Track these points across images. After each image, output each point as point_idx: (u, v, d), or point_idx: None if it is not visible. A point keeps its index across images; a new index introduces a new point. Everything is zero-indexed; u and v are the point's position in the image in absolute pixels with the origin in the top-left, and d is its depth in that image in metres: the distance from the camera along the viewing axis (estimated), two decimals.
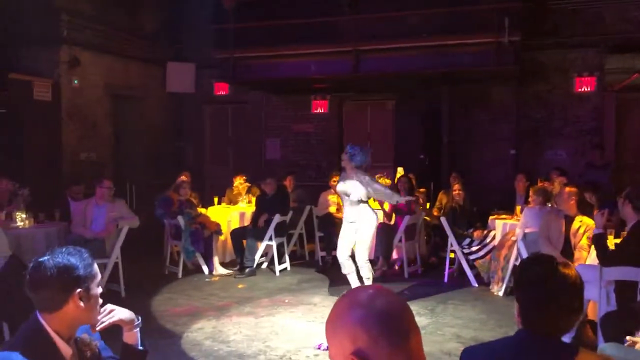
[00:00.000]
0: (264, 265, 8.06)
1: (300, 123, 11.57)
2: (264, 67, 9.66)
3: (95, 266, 2.03)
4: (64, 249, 1.97)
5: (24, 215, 6.24)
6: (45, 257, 1.93)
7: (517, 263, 6.32)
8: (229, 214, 8.37)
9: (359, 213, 6.08)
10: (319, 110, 11.11)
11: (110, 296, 6.45)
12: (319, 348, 4.88)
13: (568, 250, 5.44)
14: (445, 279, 7.38)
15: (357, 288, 1.35)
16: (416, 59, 9.00)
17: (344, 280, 7.44)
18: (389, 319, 1.21)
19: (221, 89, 11.29)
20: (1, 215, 6.17)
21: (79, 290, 1.93)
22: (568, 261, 1.85)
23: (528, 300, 1.81)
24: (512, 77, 9.52)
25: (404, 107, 11.03)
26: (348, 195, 6.08)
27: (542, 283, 1.78)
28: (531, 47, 9.27)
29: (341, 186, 6.18)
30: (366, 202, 6.12)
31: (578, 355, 1.73)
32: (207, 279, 7.51)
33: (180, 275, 7.59)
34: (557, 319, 1.77)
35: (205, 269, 7.70)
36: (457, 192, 7.68)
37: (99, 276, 2.05)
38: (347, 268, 6.23)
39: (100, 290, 2.05)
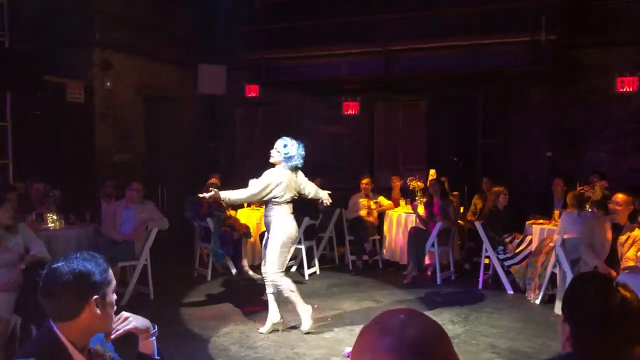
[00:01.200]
0: (293, 269, 7.96)
1: (331, 124, 11.45)
2: (294, 68, 9.58)
3: (111, 272, 1.96)
4: (78, 255, 1.90)
5: (55, 217, 6.28)
6: (60, 263, 1.85)
7: (556, 270, 6.09)
8: (258, 217, 8.31)
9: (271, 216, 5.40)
10: (350, 112, 10.98)
11: (139, 298, 6.50)
12: (347, 356, 4.75)
13: (614, 259, 5.17)
14: (480, 286, 7.16)
15: (386, 312, 1.20)
16: (450, 59, 8.80)
17: (374, 285, 7.34)
18: (424, 348, 1.07)
19: (252, 91, 11.27)
20: (32, 217, 6.22)
21: (95, 297, 1.86)
22: (627, 284, 1.65)
23: (581, 325, 1.63)
24: (549, 77, 9.22)
25: (437, 108, 10.82)
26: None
27: (600, 307, 1.60)
28: (570, 46, 8.97)
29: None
30: (282, 204, 5.38)
31: None
32: (235, 282, 7.45)
33: (209, 277, 7.56)
34: (618, 349, 1.59)
35: (234, 271, 7.65)
36: (504, 195, 7.31)
37: (114, 282, 1.97)
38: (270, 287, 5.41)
39: (115, 297, 1.97)
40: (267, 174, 5.41)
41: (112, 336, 1.99)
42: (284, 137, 5.54)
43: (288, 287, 5.32)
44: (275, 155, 5.49)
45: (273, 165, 5.52)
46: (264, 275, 5.40)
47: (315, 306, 6.32)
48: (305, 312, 5.40)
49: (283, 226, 5.31)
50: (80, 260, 1.86)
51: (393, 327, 1.12)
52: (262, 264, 5.48)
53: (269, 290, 5.37)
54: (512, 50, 8.28)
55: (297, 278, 7.66)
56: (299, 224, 7.51)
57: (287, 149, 5.45)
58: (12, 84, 7.38)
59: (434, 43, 8.62)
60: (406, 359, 1.06)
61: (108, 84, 9.37)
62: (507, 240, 7.04)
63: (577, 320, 1.65)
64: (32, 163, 7.99)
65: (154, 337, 2.11)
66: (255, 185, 5.40)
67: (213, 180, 8.06)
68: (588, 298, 1.64)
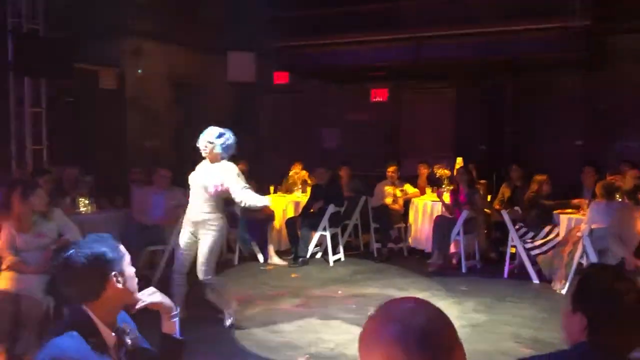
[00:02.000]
0: (318, 255, 8.03)
1: (358, 112, 11.44)
2: (322, 55, 9.59)
3: (122, 247, 2.04)
4: (87, 239, 1.99)
5: (87, 202, 6.45)
6: (72, 251, 1.93)
7: (583, 260, 6.03)
8: (285, 203, 8.39)
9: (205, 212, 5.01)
10: (378, 99, 10.95)
11: (167, 282, 6.63)
12: None
13: None
14: (505, 275, 7.12)
15: (392, 301, 1.22)
16: (478, 46, 8.70)
17: (399, 273, 7.36)
18: (429, 336, 1.09)
19: (280, 78, 11.30)
20: (66, 202, 6.40)
21: (113, 273, 1.94)
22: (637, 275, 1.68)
23: (599, 317, 1.65)
24: (580, 64, 9.04)
25: (466, 95, 10.72)
26: (205, 188, 5.02)
27: (618, 300, 1.63)
28: (602, 32, 8.75)
29: (203, 178, 5.07)
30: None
31: None
32: (261, 267, 7.57)
33: (236, 262, 7.68)
34: (631, 337, 1.62)
35: (260, 257, 7.76)
36: (547, 185, 7.12)
37: (128, 255, 2.05)
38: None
39: (133, 268, 2.05)
40: (233, 167, 5.08)
41: (138, 306, 2.07)
42: (213, 127, 5.04)
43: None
44: (210, 147, 4.99)
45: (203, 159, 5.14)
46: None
47: (339, 292, 6.40)
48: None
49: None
50: (90, 244, 1.95)
51: (399, 315, 1.14)
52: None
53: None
54: (543, 36, 8.15)
55: (322, 264, 7.74)
56: (323, 212, 7.60)
57: (222, 138, 4.99)
58: (45, 71, 7.58)
59: (463, 30, 8.52)
60: (412, 347, 1.09)
61: (139, 71, 9.52)
62: (547, 231, 6.91)
63: (593, 311, 1.66)
64: (65, 149, 8.20)
65: (177, 318, 2.19)
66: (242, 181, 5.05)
67: (240, 166, 8.13)
68: (604, 289, 1.66)
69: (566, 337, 1.74)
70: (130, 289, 2.01)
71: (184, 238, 5.12)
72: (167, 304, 2.15)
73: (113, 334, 1.98)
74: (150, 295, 2.11)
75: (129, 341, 2.04)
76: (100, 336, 1.93)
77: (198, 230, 5.01)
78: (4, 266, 4.60)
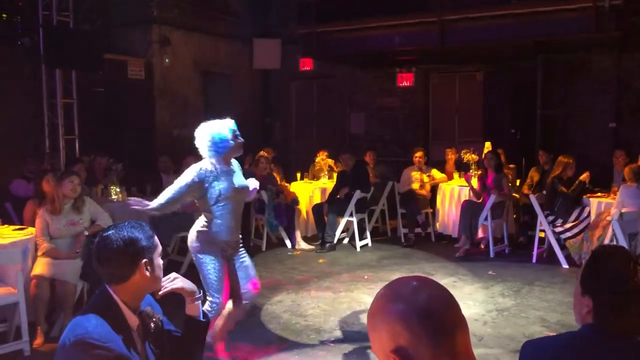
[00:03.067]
0: (345, 241, 8.08)
1: (385, 97, 11.39)
2: (348, 41, 9.56)
3: (156, 238, 2.11)
4: (126, 223, 2.05)
5: (117, 189, 6.60)
6: (111, 232, 2.02)
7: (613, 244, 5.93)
8: (311, 190, 8.44)
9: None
10: (405, 84, 10.88)
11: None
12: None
13: None
14: (534, 260, 7.05)
15: (399, 279, 1.25)
16: (507, 28, 8.55)
17: (426, 258, 7.36)
18: (432, 314, 1.12)
19: (306, 65, 11.31)
20: (98, 190, 6.56)
21: (144, 260, 2.02)
22: None
23: (605, 300, 1.64)
24: (613, 45, 8.81)
25: (495, 78, 10.56)
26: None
27: (624, 283, 1.61)
28: (635, 11, 8.49)
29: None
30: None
31: None
32: (289, 253, 7.65)
33: (264, 248, 7.78)
34: (635, 322, 1.61)
35: (288, 242, 7.84)
36: (571, 169, 6.98)
37: (160, 247, 2.13)
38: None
39: (162, 261, 2.13)
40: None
41: (161, 293, 2.15)
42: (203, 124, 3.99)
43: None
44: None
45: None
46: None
47: (366, 277, 6.44)
48: None
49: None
50: (129, 228, 2.02)
51: (405, 293, 1.17)
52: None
53: None
54: (573, 16, 7.97)
55: (349, 250, 7.78)
56: (350, 198, 7.62)
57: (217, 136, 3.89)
58: (76, 62, 7.75)
59: (491, 12, 8.40)
60: (416, 324, 1.11)
61: (166, 60, 9.66)
62: (573, 218, 6.80)
63: (599, 294, 1.66)
64: (96, 138, 8.39)
65: (200, 301, 2.26)
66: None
67: (262, 152, 8.22)
68: (612, 273, 1.64)
69: (576, 318, 1.74)
70: (156, 279, 2.09)
71: None
72: (189, 288, 2.22)
73: (136, 316, 2.05)
74: (171, 282, 2.18)
75: (152, 324, 2.11)
76: (123, 318, 2.00)
77: None
78: (39, 252, 4.77)
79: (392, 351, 1.12)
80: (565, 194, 6.85)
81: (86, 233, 4.96)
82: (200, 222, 3.96)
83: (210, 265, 3.87)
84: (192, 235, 3.96)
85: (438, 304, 1.15)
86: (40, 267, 4.67)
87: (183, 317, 2.26)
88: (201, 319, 2.26)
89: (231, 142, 3.91)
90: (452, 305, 1.16)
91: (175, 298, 2.25)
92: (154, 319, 2.11)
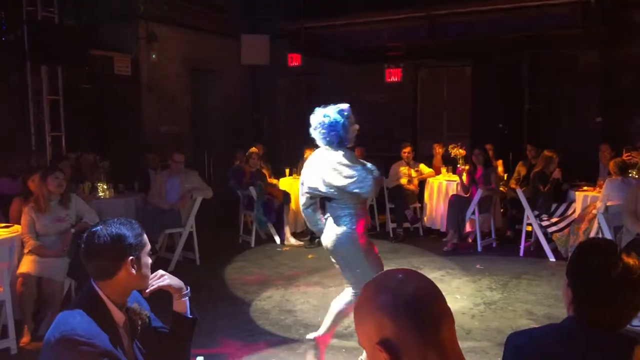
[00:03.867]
0: None
1: (373, 93, 11.39)
2: (336, 36, 9.55)
3: (145, 236, 2.09)
4: (115, 220, 2.04)
5: (105, 186, 6.57)
6: (99, 227, 2.01)
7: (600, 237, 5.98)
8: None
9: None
10: (393, 79, 10.87)
11: (185, 264, 6.77)
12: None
13: None
14: (521, 253, 7.11)
15: (386, 271, 1.26)
16: (494, 22, 8.59)
17: (415, 252, 7.39)
18: (417, 306, 1.13)
19: (294, 60, 11.26)
20: (85, 187, 6.52)
21: (131, 258, 2.00)
22: (631, 250, 1.65)
23: (584, 292, 1.65)
24: (599, 39, 8.86)
25: (483, 74, 10.59)
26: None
27: (602, 275, 1.61)
28: (621, 5, 8.56)
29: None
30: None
31: (635, 348, 1.58)
32: (278, 249, 7.65)
33: (253, 244, 7.77)
34: (613, 315, 1.62)
35: (277, 238, 7.84)
36: (555, 165, 7.10)
37: (149, 246, 2.12)
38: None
39: (150, 260, 2.11)
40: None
41: (148, 291, 2.14)
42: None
43: None
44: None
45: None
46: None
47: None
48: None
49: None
50: (117, 225, 2.01)
51: (390, 285, 1.18)
52: None
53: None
54: (560, 11, 8.02)
55: None
56: None
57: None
58: (62, 58, 7.67)
59: (478, 7, 8.42)
60: (401, 316, 1.12)
61: (153, 56, 9.58)
62: (564, 208, 6.88)
63: (579, 286, 1.66)
64: (83, 135, 8.32)
65: (187, 297, 2.25)
66: None
67: (253, 149, 8.21)
68: (591, 265, 1.64)
69: (566, 310, 1.76)
70: (143, 277, 2.07)
71: None
72: (176, 285, 2.21)
73: (122, 313, 2.04)
74: (158, 279, 2.17)
75: (139, 321, 2.10)
76: (110, 314, 1.99)
77: None
78: (25, 250, 4.73)
79: (378, 343, 1.13)
80: (542, 192, 6.94)
81: (73, 230, 4.93)
82: (350, 218, 3.77)
83: (371, 257, 3.83)
84: (354, 235, 3.77)
85: (423, 296, 1.16)
86: (27, 265, 4.64)
87: (170, 314, 2.25)
88: (188, 316, 2.25)
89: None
90: (437, 296, 1.17)
91: (164, 294, 2.24)
92: (141, 316, 2.11)
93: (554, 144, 8.02)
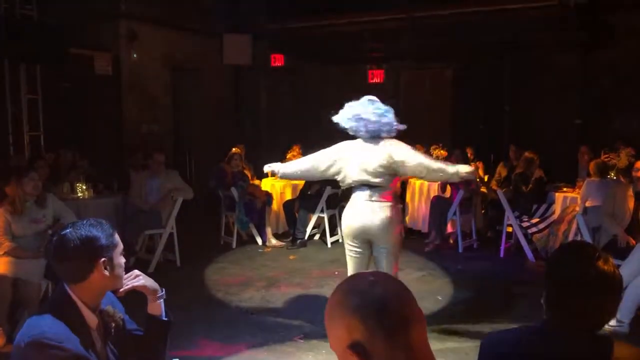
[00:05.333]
0: (317, 237, 8.08)
1: (356, 93, 11.37)
2: (318, 37, 9.55)
3: (117, 236, 2.06)
4: (85, 221, 2.00)
5: (84, 186, 6.48)
6: (68, 230, 1.96)
7: (578, 239, 6.04)
8: (282, 186, 8.42)
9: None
10: (375, 80, 10.91)
11: (166, 265, 6.71)
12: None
13: (634, 228, 5.10)
14: (502, 254, 7.16)
15: (357, 274, 1.26)
16: (476, 25, 8.66)
17: None
18: (388, 309, 1.12)
19: (277, 61, 11.25)
20: (64, 187, 6.42)
21: (103, 259, 1.96)
22: (609, 256, 1.66)
23: (561, 295, 1.65)
24: (578, 43, 8.99)
25: (464, 75, 10.68)
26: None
27: (578, 280, 1.61)
28: (601, 9, 8.67)
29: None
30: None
31: (613, 347, 1.59)
32: (259, 250, 7.62)
33: (234, 245, 7.73)
34: (589, 319, 1.62)
35: (259, 239, 7.81)
36: (537, 167, 7.18)
37: (121, 245, 2.07)
38: None
39: (123, 260, 2.08)
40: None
41: (122, 290, 2.10)
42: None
43: None
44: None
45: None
46: None
47: (336, 273, 6.45)
48: None
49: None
50: (87, 227, 1.97)
51: (361, 287, 1.18)
52: None
53: None
54: (538, 15, 8.10)
55: (320, 246, 7.79)
56: (321, 195, 7.63)
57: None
58: (40, 57, 7.56)
59: (459, 9, 8.48)
60: (371, 318, 1.11)
61: (134, 55, 9.49)
62: (543, 210, 6.95)
63: (556, 289, 1.67)
64: (62, 134, 8.21)
65: (162, 300, 2.22)
66: None
67: (235, 149, 8.16)
68: (569, 269, 1.65)
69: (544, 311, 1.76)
70: (116, 278, 2.03)
71: None
72: (151, 286, 2.17)
73: (95, 315, 2.01)
74: (133, 279, 2.13)
75: (112, 323, 2.07)
76: (82, 317, 1.96)
77: None
78: (1, 251, 4.65)
79: (348, 346, 1.12)
80: (524, 192, 7.00)
81: (50, 232, 4.85)
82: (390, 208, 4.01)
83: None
84: (395, 221, 4.01)
85: (393, 299, 1.15)
86: (2, 266, 4.55)
87: (144, 316, 2.22)
88: (163, 318, 2.22)
89: None
90: (408, 299, 1.17)
91: (139, 296, 2.21)
92: (114, 318, 2.07)
93: (534, 145, 8.10)
